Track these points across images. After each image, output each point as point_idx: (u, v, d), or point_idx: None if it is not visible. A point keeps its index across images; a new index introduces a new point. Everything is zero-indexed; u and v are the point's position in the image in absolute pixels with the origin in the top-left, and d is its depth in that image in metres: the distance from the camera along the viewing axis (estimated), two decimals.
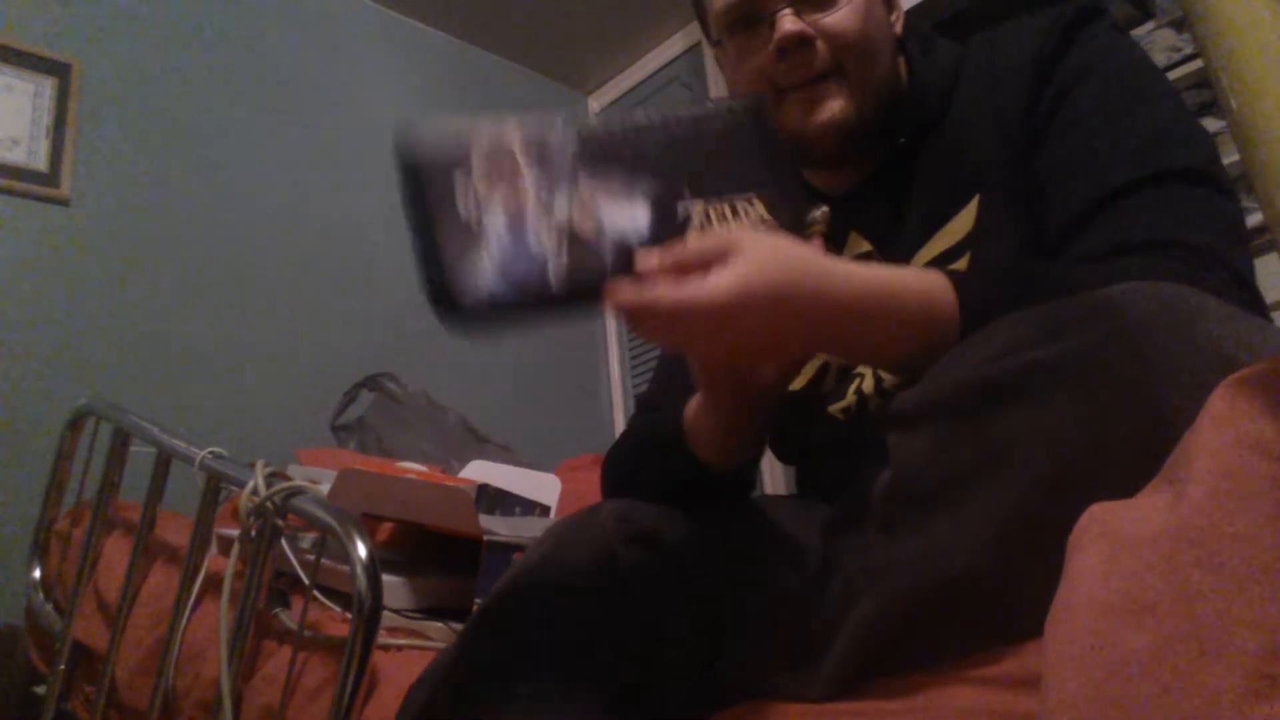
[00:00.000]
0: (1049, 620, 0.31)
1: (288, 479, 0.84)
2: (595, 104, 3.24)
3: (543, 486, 1.30)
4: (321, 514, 0.77)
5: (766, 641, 0.51)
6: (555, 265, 0.46)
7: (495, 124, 0.48)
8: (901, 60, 0.72)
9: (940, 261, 0.66)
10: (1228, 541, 0.26)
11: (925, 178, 0.68)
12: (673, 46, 2.96)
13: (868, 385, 0.69)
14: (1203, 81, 1.60)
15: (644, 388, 0.86)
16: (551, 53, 2.99)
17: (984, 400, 0.41)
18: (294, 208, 2.26)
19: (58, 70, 1.91)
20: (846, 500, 0.52)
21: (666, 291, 0.44)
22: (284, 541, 0.85)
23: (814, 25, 0.65)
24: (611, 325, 2.92)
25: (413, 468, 1.24)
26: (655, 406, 0.75)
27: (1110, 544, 0.30)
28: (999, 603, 0.41)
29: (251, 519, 0.83)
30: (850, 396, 0.70)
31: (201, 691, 0.85)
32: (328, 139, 2.38)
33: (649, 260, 0.46)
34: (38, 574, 1.22)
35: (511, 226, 0.46)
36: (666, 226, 0.49)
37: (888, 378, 0.67)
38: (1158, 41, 1.69)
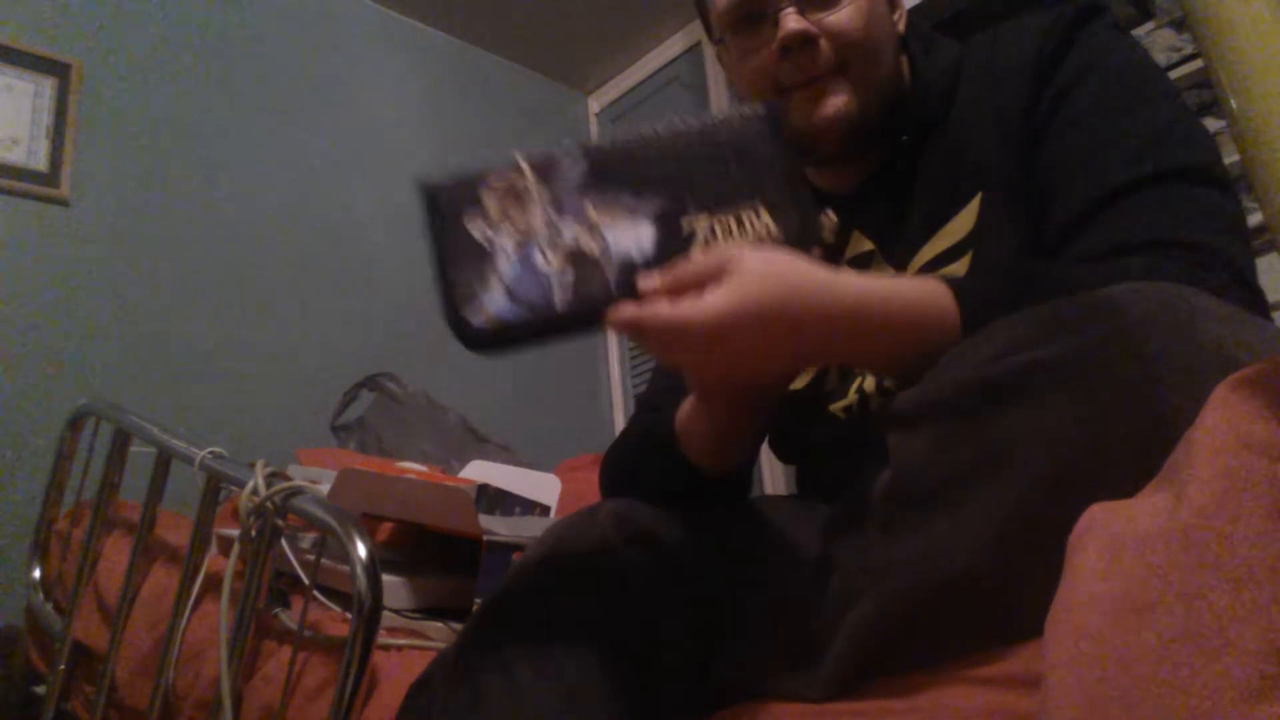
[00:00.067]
0: (1049, 620, 0.31)
1: (288, 479, 0.84)
2: (595, 104, 3.24)
3: (543, 486, 1.30)
4: (321, 514, 0.77)
5: (766, 641, 0.51)
6: (560, 286, 0.48)
7: (509, 159, 0.50)
8: (904, 59, 0.72)
9: (942, 260, 0.66)
10: (1228, 541, 0.26)
11: (927, 177, 0.68)
12: (673, 46, 2.96)
13: (869, 384, 0.69)
14: (1203, 81, 1.60)
15: (644, 388, 0.86)
16: (551, 53, 2.99)
17: (984, 400, 0.41)
18: (294, 208, 2.26)
19: (58, 70, 1.91)
20: (846, 500, 0.52)
21: (660, 310, 0.46)
22: (284, 541, 0.85)
23: (817, 24, 0.65)
24: None
25: (413, 468, 1.24)
26: (655, 406, 0.75)
27: (1110, 544, 0.30)
28: (999, 603, 0.41)
29: (251, 519, 0.82)
30: (852, 395, 0.70)
31: (201, 691, 0.85)
32: (328, 139, 2.38)
33: (650, 281, 0.47)
34: (38, 574, 1.22)
35: (521, 248, 0.48)
36: (671, 243, 0.49)
37: None
38: (1158, 41, 1.69)
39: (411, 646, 0.78)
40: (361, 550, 0.71)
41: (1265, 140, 0.28)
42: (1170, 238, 0.53)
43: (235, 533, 0.86)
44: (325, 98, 2.41)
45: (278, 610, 0.85)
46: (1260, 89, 0.28)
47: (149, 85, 2.06)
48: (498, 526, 0.88)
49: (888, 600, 0.43)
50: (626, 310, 0.47)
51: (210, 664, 0.84)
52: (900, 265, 0.69)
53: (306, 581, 0.81)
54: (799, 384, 0.73)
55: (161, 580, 0.99)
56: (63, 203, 1.86)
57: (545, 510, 1.19)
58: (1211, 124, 1.52)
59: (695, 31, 2.87)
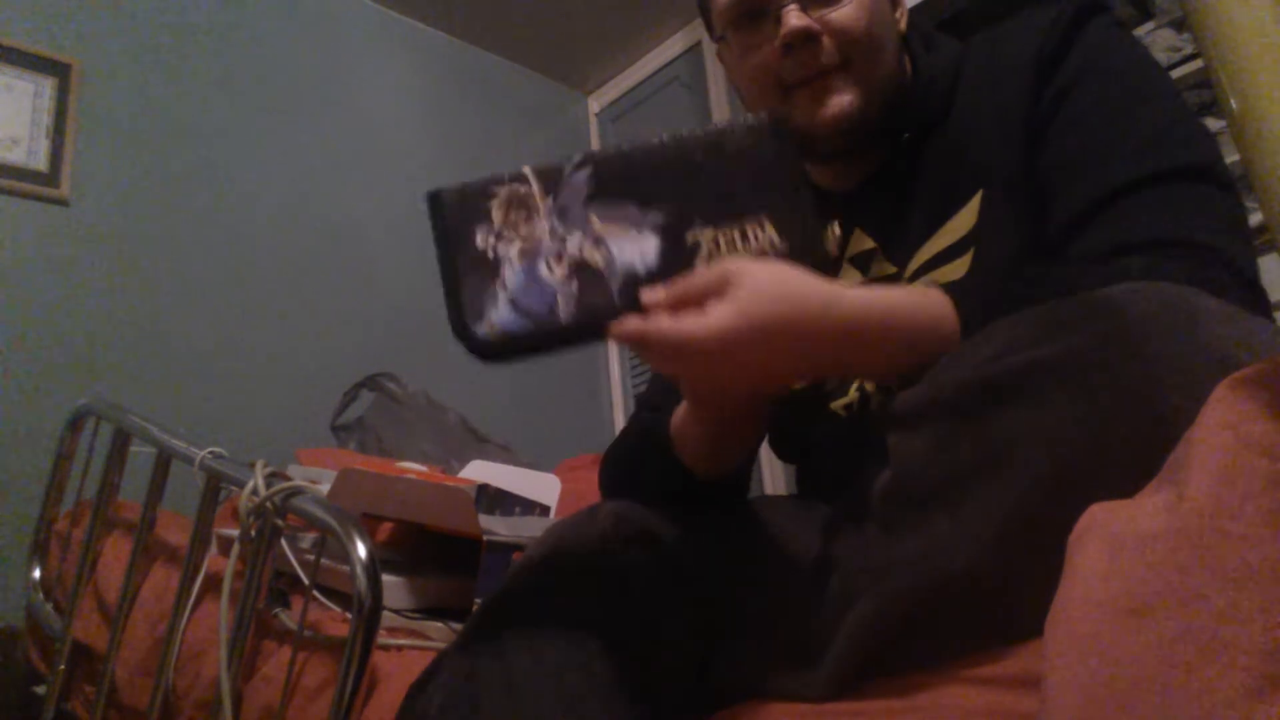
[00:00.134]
0: (1049, 620, 0.31)
1: (288, 479, 0.84)
2: (595, 104, 3.24)
3: (543, 486, 1.30)
4: (321, 514, 0.77)
5: (766, 641, 0.51)
6: (565, 298, 0.49)
7: (516, 169, 0.50)
8: (905, 58, 0.72)
9: (943, 258, 0.66)
10: (1228, 541, 0.26)
11: (928, 175, 0.68)
12: (673, 46, 2.96)
13: (870, 382, 0.69)
14: (1203, 81, 1.60)
15: (644, 387, 0.86)
16: (551, 53, 2.99)
17: (984, 399, 0.41)
18: (294, 208, 2.26)
19: (58, 70, 1.91)
20: (846, 499, 0.53)
21: (663, 325, 0.46)
22: (284, 541, 0.85)
23: (820, 20, 0.65)
24: None
25: (413, 468, 1.24)
26: (654, 406, 0.75)
27: (1110, 544, 0.30)
28: (999, 602, 0.41)
29: (251, 519, 0.82)
30: (852, 393, 0.70)
31: (201, 691, 0.85)
32: (328, 139, 2.38)
33: (653, 294, 0.48)
34: (38, 574, 1.22)
35: (526, 259, 0.49)
36: (675, 256, 0.50)
37: None
38: (1158, 41, 1.69)
39: (411, 646, 0.78)
40: (361, 550, 0.71)
41: (1265, 140, 0.28)
42: (1171, 237, 0.53)
43: (235, 533, 0.86)
44: (325, 98, 2.41)
45: (278, 610, 0.85)
46: (1260, 89, 0.28)
47: (149, 85, 2.06)
48: (498, 526, 0.88)
49: (888, 600, 0.43)
50: (630, 323, 0.47)
51: (210, 664, 0.84)
52: (901, 263, 0.69)
53: (306, 581, 0.81)
54: (799, 382, 0.73)
55: (161, 580, 0.99)
56: (63, 203, 1.86)
57: (545, 510, 1.19)
58: (1211, 124, 1.52)
59: (695, 31, 2.87)
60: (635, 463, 0.70)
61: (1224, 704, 0.24)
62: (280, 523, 0.82)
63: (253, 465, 0.86)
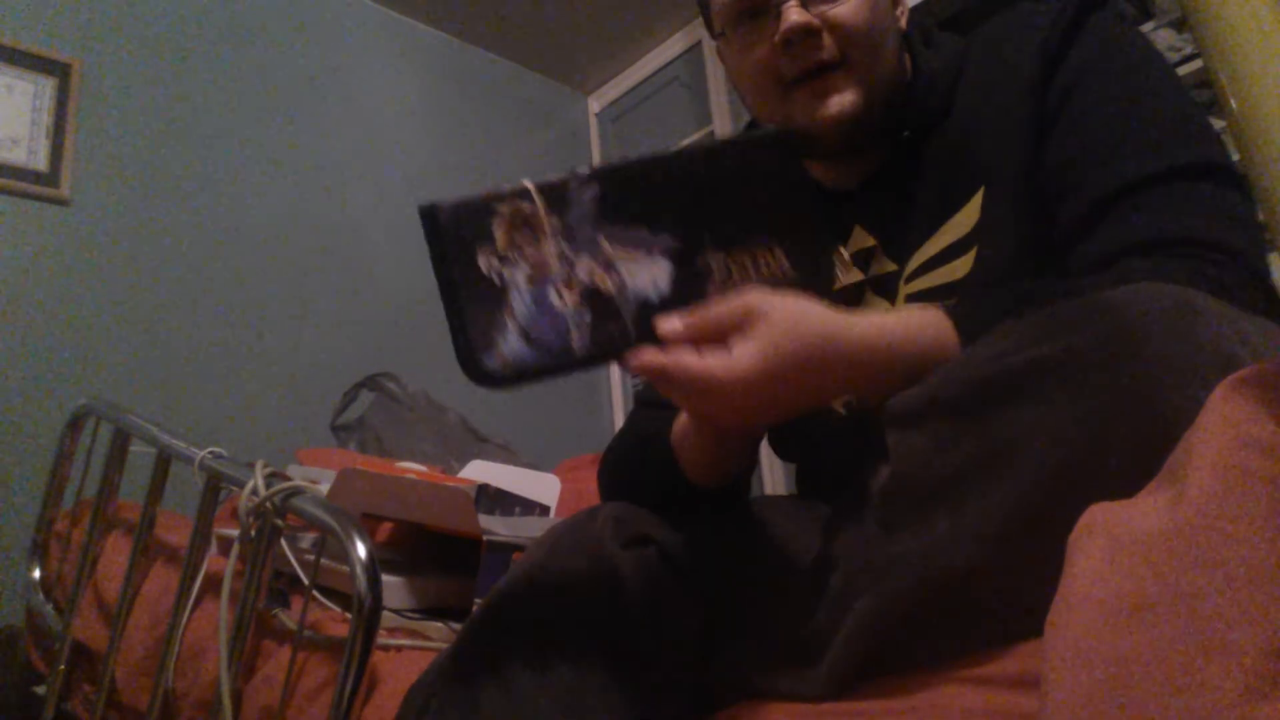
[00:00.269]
0: (1049, 620, 0.31)
1: (287, 479, 0.84)
2: (595, 104, 3.24)
3: (543, 486, 1.30)
4: (321, 514, 0.77)
5: (766, 641, 0.51)
6: (578, 326, 0.47)
7: (517, 185, 0.48)
8: (906, 55, 0.72)
9: (945, 256, 0.66)
10: (1228, 541, 0.26)
11: (929, 173, 0.68)
12: (673, 46, 2.96)
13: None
14: (1203, 81, 1.60)
15: (643, 385, 0.86)
16: (551, 53, 2.99)
17: (984, 399, 0.41)
18: (294, 207, 2.26)
19: (58, 70, 1.91)
20: (846, 499, 0.53)
21: (687, 362, 0.46)
22: (284, 541, 0.85)
23: (820, 16, 0.64)
24: None
25: (413, 468, 1.24)
26: (652, 403, 0.75)
27: (1110, 543, 0.30)
28: (999, 602, 0.41)
29: (251, 519, 0.82)
30: None
31: (201, 691, 0.85)
32: (327, 139, 2.38)
33: (670, 325, 0.47)
34: (38, 574, 1.22)
35: (534, 284, 0.47)
36: (687, 281, 0.49)
37: None
38: (1157, 42, 1.69)
39: (411, 646, 0.78)
40: (361, 550, 0.71)
41: (1265, 140, 0.28)
42: (1176, 236, 0.53)
43: (235, 533, 0.86)
44: (324, 98, 2.41)
45: (277, 610, 0.85)
46: (1260, 89, 0.28)
47: (149, 85, 2.06)
48: (498, 526, 0.88)
49: (887, 599, 0.43)
50: (649, 356, 0.47)
51: (210, 664, 0.84)
52: (901, 261, 0.69)
53: (306, 581, 0.81)
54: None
55: (161, 580, 0.99)
56: (63, 203, 1.86)
57: (545, 510, 1.19)
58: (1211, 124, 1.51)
59: (695, 31, 2.87)
60: (635, 469, 0.70)
61: (1224, 704, 0.24)
62: (280, 523, 0.82)
63: (253, 465, 0.86)
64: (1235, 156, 0.33)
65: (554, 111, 3.13)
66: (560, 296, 0.47)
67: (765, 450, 0.81)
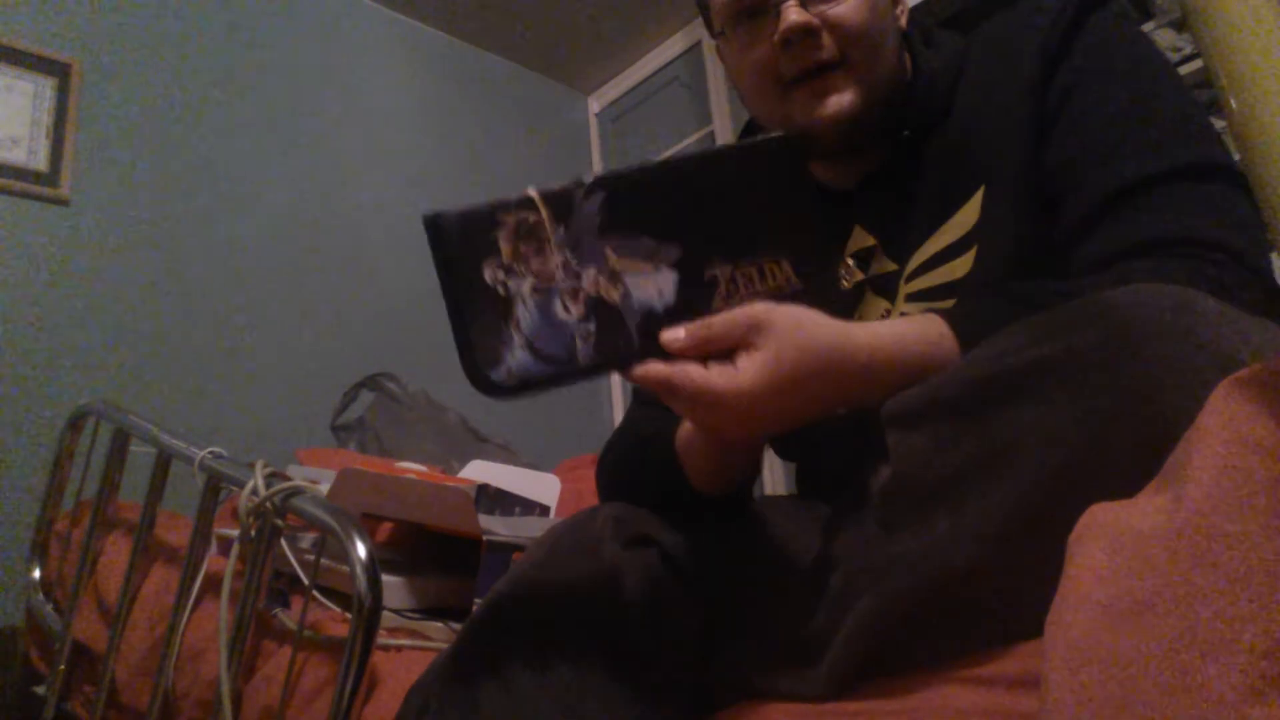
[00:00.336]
0: (1049, 620, 0.31)
1: (287, 479, 0.84)
2: (595, 104, 3.25)
3: (543, 486, 1.30)
4: (321, 514, 0.77)
5: (766, 641, 0.51)
6: (582, 336, 0.47)
7: (522, 193, 0.48)
8: (906, 55, 0.72)
9: (945, 255, 0.66)
10: (1228, 541, 0.26)
11: (929, 173, 0.68)
12: (673, 46, 2.96)
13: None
14: (1203, 81, 1.60)
15: None
16: (551, 53, 2.99)
17: (984, 399, 0.41)
18: (294, 207, 2.26)
19: (58, 70, 1.91)
20: (846, 499, 0.53)
21: (691, 375, 0.46)
22: (284, 541, 0.85)
23: (820, 15, 0.64)
24: None
25: (413, 468, 1.24)
26: (651, 401, 0.75)
27: (1110, 544, 0.30)
28: (999, 602, 0.41)
29: (251, 519, 0.82)
30: None
31: (201, 691, 0.85)
32: (327, 139, 2.38)
33: (675, 336, 0.47)
34: (38, 574, 1.22)
35: (540, 297, 0.47)
36: (693, 292, 0.49)
37: None
38: (1157, 42, 1.69)
39: (412, 647, 0.78)
40: (361, 550, 0.71)
41: (1265, 140, 0.28)
42: (1177, 236, 0.53)
43: (235, 533, 0.86)
44: (325, 97, 2.41)
45: (277, 610, 0.85)
46: (1260, 89, 0.28)
47: (149, 85, 2.06)
48: (497, 526, 0.88)
49: (888, 599, 0.43)
50: (655, 369, 0.47)
51: (210, 664, 0.84)
52: (901, 260, 0.69)
53: (306, 581, 0.81)
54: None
55: (161, 580, 0.99)
56: (63, 203, 1.86)
57: (545, 510, 1.19)
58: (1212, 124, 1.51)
59: (695, 31, 2.87)
60: (635, 470, 0.69)
61: (1224, 704, 0.24)
62: (280, 523, 0.82)
63: (253, 465, 0.86)
64: (1235, 156, 0.33)
65: (554, 111, 3.13)
66: (565, 307, 0.47)
67: (765, 450, 0.81)
